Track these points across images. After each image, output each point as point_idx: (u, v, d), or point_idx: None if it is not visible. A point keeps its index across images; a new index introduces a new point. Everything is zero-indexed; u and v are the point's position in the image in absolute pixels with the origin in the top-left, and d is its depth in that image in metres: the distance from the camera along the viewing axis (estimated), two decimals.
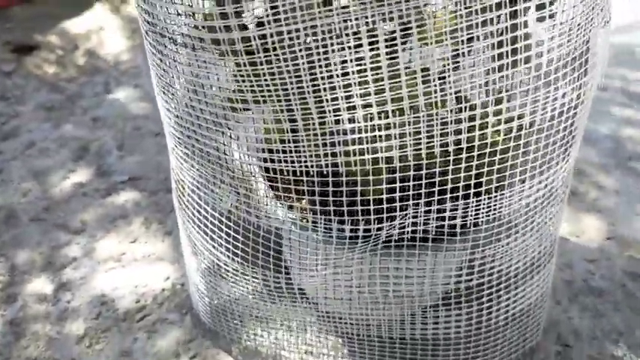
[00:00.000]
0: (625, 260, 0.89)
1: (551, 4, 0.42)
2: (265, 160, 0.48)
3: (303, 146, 0.45)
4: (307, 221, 0.52)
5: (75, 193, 0.96)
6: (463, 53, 0.42)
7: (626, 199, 1.01)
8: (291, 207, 0.52)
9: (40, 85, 1.24)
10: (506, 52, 0.42)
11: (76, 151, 1.05)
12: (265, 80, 0.42)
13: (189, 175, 0.56)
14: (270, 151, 0.47)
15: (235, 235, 0.54)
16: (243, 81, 0.42)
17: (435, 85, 0.42)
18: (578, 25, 0.47)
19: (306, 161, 0.46)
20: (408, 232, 0.51)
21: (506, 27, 0.42)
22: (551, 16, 0.45)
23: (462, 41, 0.41)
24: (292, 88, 0.42)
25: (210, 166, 0.51)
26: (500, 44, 0.42)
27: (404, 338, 0.62)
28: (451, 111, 0.44)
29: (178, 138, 0.53)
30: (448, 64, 0.43)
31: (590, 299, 0.83)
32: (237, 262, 0.58)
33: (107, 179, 0.99)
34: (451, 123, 0.44)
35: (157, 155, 1.05)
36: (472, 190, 0.49)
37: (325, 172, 0.46)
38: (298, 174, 0.47)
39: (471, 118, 0.45)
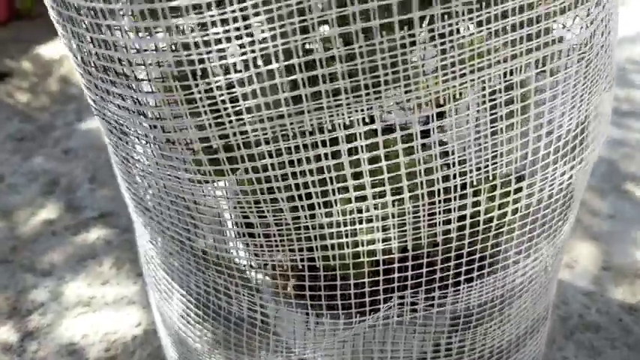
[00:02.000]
0: (621, 292, 0.86)
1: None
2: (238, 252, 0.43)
3: (275, 241, 0.41)
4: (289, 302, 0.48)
5: (44, 231, 0.91)
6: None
7: (622, 224, 0.97)
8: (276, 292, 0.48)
9: (11, 115, 1.18)
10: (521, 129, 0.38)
11: (45, 186, 0.99)
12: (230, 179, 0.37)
13: (157, 255, 0.52)
14: (246, 242, 0.42)
15: (212, 321, 0.50)
16: (206, 182, 0.38)
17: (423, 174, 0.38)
18: (588, 93, 0.42)
19: (278, 255, 0.41)
20: (393, 317, 0.46)
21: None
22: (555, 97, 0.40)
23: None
24: (262, 189, 0.37)
25: (183, 255, 0.46)
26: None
27: None
28: (444, 200, 0.40)
29: (143, 221, 0.49)
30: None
31: (587, 336, 0.80)
32: (211, 347, 0.53)
33: (77, 215, 0.94)
34: (440, 213, 0.40)
35: None
36: (463, 277, 0.44)
37: (300, 267, 0.42)
38: (270, 268, 0.43)
39: (461, 208, 0.40)
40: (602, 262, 0.91)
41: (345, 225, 0.40)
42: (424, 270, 0.43)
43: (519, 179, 0.41)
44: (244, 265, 0.43)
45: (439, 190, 0.39)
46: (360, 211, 0.39)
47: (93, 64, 0.33)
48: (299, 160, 0.35)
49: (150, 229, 0.49)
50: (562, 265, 0.90)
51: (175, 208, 0.43)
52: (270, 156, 0.35)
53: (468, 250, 0.42)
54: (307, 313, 0.45)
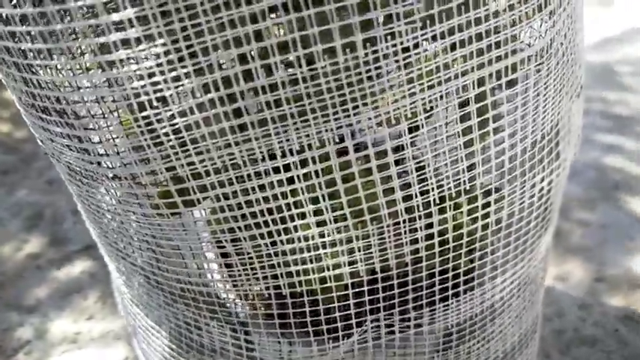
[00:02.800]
0: (616, 303, 0.84)
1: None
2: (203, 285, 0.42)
3: (238, 270, 0.40)
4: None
5: (28, 266, 0.90)
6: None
7: (614, 234, 0.96)
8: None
9: None
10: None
11: (30, 219, 0.98)
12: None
13: (128, 290, 0.51)
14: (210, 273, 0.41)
15: (187, 354, 0.48)
16: (163, 215, 0.37)
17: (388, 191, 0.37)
18: (552, 103, 0.42)
19: (243, 285, 0.40)
20: (369, 341, 0.45)
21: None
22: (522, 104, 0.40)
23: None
24: (217, 220, 0.36)
25: (151, 290, 0.45)
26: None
27: None
28: (409, 220, 0.39)
29: (109, 256, 0.48)
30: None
31: (583, 350, 0.78)
32: None
33: (62, 248, 0.93)
34: (406, 233, 0.39)
35: None
36: (437, 296, 0.43)
37: (267, 295, 0.41)
38: (238, 297, 0.42)
39: (428, 226, 0.39)
40: (595, 273, 0.89)
41: (309, 251, 0.39)
42: (396, 291, 0.42)
43: (487, 193, 0.40)
44: (211, 296, 0.42)
45: (402, 210, 0.38)
46: (322, 235, 0.38)
47: (32, 105, 0.32)
48: (252, 189, 0.35)
49: (116, 263, 0.48)
50: (555, 277, 0.89)
51: (137, 242, 0.43)
52: (222, 186, 0.34)
53: (440, 268, 0.41)
54: (279, 342, 0.44)
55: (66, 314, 0.83)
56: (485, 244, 0.42)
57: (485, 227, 0.41)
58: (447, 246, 0.40)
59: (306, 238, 0.38)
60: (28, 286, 0.87)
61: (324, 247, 0.39)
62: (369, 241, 0.39)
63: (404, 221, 0.38)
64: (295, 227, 0.37)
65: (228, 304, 0.43)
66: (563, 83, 0.43)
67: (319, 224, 0.37)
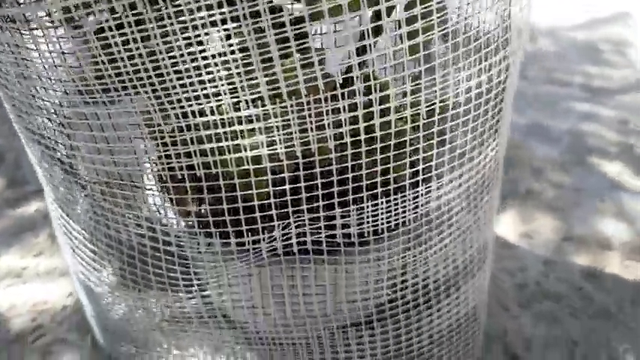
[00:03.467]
0: (582, 261, 0.82)
1: None
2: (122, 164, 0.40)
3: (146, 146, 0.37)
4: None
5: None
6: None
7: (586, 196, 0.94)
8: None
9: None
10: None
11: None
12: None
13: (51, 190, 0.48)
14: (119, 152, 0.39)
15: (106, 255, 0.46)
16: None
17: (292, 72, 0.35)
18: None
19: (156, 163, 0.38)
20: (293, 245, 0.43)
21: None
22: None
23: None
24: (128, 73, 0.34)
25: (70, 180, 0.43)
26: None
27: None
28: (332, 98, 0.36)
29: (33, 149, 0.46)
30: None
31: (545, 305, 0.76)
32: (116, 286, 0.50)
33: (19, 189, 0.90)
34: (328, 114, 0.36)
35: None
36: (365, 193, 0.41)
37: (180, 177, 0.38)
38: (150, 178, 0.39)
39: (368, 104, 0.37)
40: (563, 233, 0.87)
41: (223, 126, 0.36)
42: (319, 181, 0.39)
43: (416, 78, 0.38)
44: (124, 182, 0.40)
45: (322, 86, 0.36)
46: (236, 109, 0.36)
47: None
48: (165, 42, 0.33)
49: (39, 160, 0.46)
50: (521, 234, 0.87)
51: (53, 126, 0.40)
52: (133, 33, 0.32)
53: (367, 159, 0.39)
54: (197, 234, 0.42)
55: (14, 250, 0.80)
56: (416, 139, 0.40)
57: (416, 118, 0.39)
58: (374, 134, 0.38)
59: (220, 111, 0.36)
60: None
61: (239, 122, 0.36)
62: (288, 119, 0.36)
63: (325, 99, 0.36)
64: (207, 96, 0.35)
65: (143, 189, 0.41)
66: None
67: (233, 93, 0.35)
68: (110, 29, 0.32)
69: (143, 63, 0.33)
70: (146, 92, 0.35)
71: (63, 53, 0.35)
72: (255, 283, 0.47)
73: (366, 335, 0.52)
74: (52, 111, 0.39)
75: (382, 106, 0.37)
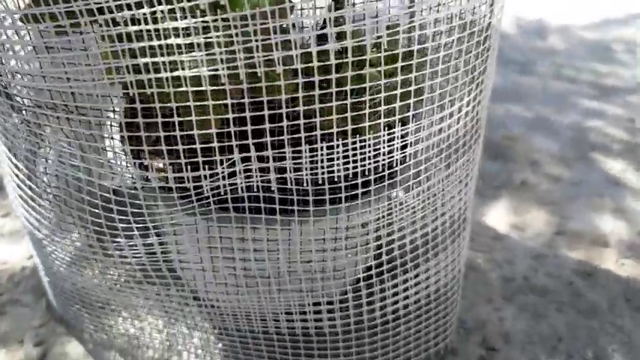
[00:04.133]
0: (575, 256, 0.77)
1: None
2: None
3: (81, 63, 0.34)
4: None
5: None
6: None
7: (584, 191, 0.89)
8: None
9: None
10: None
11: None
12: None
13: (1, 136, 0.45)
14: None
15: (44, 195, 0.43)
16: None
17: None
18: None
19: (85, 80, 0.35)
20: (243, 192, 0.39)
21: None
22: None
23: None
24: None
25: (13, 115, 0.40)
26: None
27: (268, 332, 0.51)
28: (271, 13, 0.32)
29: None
30: None
31: (531, 298, 0.71)
32: (57, 231, 0.46)
33: None
34: (275, 33, 0.33)
35: None
36: (318, 132, 0.37)
37: (111, 99, 0.35)
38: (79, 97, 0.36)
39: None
40: (556, 227, 0.83)
41: (158, 38, 0.33)
42: (266, 112, 0.35)
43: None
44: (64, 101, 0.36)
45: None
46: (173, 18, 0.32)
47: None
48: None
49: None
50: (512, 226, 0.82)
51: None
52: None
53: (321, 93, 0.35)
54: (134, 163, 0.38)
55: None
56: (377, 77, 0.36)
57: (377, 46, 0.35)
58: (329, 78, 0.34)
59: (154, 20, 0.32)
60: None
61: (176, 35, 0.33)
62: (230, 34, 0.33)
63: (272, 14, 0.32)
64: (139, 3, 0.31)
65: (81, 112, 0.37)
66: None
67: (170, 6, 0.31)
68: None
69: None
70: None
71: None
72: (202, 233, 0.43)
73: (323, 304, 0.48)
74: None
75: (337, 29, 0.33)
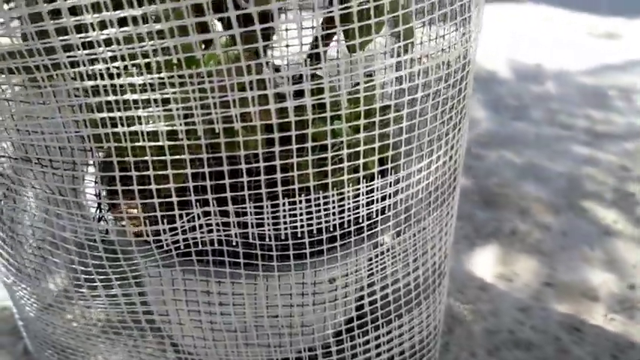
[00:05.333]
0: (563, 310, 0.76)
1: None
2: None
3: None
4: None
5: None
6: None
7: (574, 241, 0.88)
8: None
9: None
10: None
11: None
12: None
13: None
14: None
15: (9, 242, 0.42)
16: None
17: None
18: None
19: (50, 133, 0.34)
20: (208, 244, 0.38)
21: None
22: None
23: None
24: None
25: None
26: None
27: None
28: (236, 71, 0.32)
29: None
30: None
31: (515, 354, 0.70)
32: (27, 282, 0.46)
33: None
34: (233, 90, 0.32)
35: None
36: (280, 188, 0.36)
37: (68, 149, 0.35)
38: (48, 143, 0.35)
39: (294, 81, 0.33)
40: (545, 277, 0.81)
41: (115, 93, 0.33)
42: (225, 167, 0.35)
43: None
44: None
45: (226, 57, 0.32)
46: (130, 74, 0.32)
47: None
48: None
49: None
50: (499, 276, 0.81)
51: None
52: None
53: (281, 148, 0.35)
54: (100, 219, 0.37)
55: None
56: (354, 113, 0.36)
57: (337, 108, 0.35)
58: (298, 134, 0.34)
59: (110, 75, 0.32)
60: None
61: (132, 90, 0.33)
62: (187, 90, 0.32)
63: (228, 72, 0.32)
64: (98, 59, 0.31)
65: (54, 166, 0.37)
66: None
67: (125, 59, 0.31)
68: None
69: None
70: (37, 49, 0.31)
71: None
72: (167, 285, 0.42)
73: None
74: None
75: (296, 87, 0.33)
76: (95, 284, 0.42)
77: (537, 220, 0.92)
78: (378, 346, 0.48)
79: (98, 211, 0.40)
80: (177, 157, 0.34)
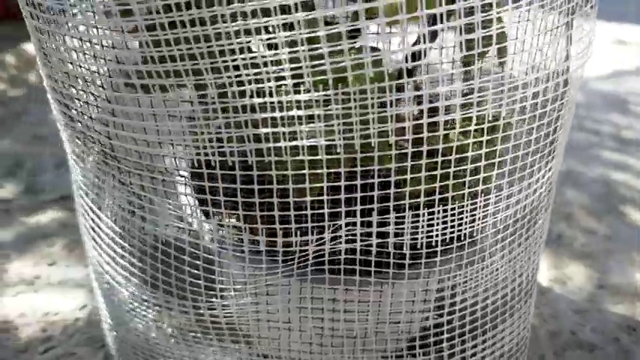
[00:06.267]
0: (619, 312, 0.78)
1: None
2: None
3: (201, 126, 0.35)
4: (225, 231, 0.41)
5: None
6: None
7: (619, 245, 0.90)
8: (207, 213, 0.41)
9: None
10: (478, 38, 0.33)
11: (8, 167, 0.94)
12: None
13: (80, 173, 0.46)
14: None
15: (136, 252, 0.43)
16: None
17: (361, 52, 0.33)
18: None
19: (205, 147, 0.36)
20: (342, 253, 0.40)
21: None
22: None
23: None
24: (182, 51, 0.32)
25: (102, 161, 0.41)
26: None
27: None
28: (390, 88, 0.34)
29: (70, 127, 0.43)
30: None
31: (579, 354, 0.71)
32: (144, 288, 0.46)
33: (36, 197, 0.88)
34: (392, 105, 0.34)
35: None
36: (422, 199, 0.38)
37: (231, 164, 0.36)
38: (196, 164, 0.37)
39: (431, 102, 0.35)
40: (597, 280, 0.83)
41: (281, 110, 0.34)
42: (375, 180, 0.37)
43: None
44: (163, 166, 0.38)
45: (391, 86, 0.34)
46: (297, 91, 0.34)
47: None
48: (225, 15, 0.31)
49: (72, 142, 0.44)
50: (554, 279, 0.83)
51: (93, 101, 0.38)
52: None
53: (428, 161, 0.36)
54: (240, 229, 0.39)
55: (27, 257, 0.77)
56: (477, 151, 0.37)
57: (492, 129, 0.37)
58: (436, 132, 0.35)
59: (279, 92, 0.33)
60: None
61: (298, 107, 0.34)
62: (350, 107, 0.34)
63: (390, 89, 0.34)
64: (269, 79, 0.33)
65: (183, 175, 0.38)
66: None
67: (296, 77, 0.33)
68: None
69: (200, 44, 0.31)
70: (205, 68, 0.32)
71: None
72: (294, 295, 0.43)
73: None
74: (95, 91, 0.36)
75: (448, 116, 0.34)
76: (215, 293, 0.43)
77: (582, 225, 0.94)
78: (483, 350, 0.50)
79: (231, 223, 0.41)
80: (334, 170, 0.36)
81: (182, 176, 0.38)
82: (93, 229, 0.47)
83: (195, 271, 0.42)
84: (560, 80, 0.40)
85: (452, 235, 0.41)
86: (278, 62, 0.33)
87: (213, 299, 0.43)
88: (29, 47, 1.39)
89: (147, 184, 0.39)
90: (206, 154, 0.36)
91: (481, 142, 0.38)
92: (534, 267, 0.51)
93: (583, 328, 0.75)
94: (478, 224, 0.42)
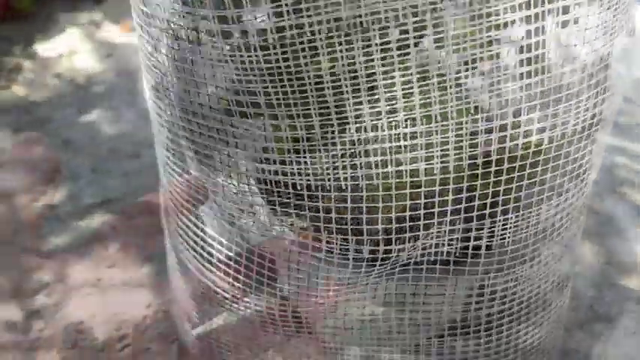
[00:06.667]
0: (630, 285, 0.86)
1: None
2: (276, 173, 0.43)
3: (320, 156, 0.41)
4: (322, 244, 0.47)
5: (46, 215, 0.90)
6: (481, 58, 0.38)
7: (622, 225, 0.98)
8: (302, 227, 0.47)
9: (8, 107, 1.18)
10: (529, 59, 0.39)
11: (45, 174, 0.98)
12: (281, 81, 0.37)
13: (183, 191, 0.51)
14: (282, 162, 0.42)
15: (237, 259, 0.49)
16: (255, 81, 0.38)
17: (461, 92, 0.39)
18: (604, 31, 0.44)
19: (322, 174, 0.41)
20: (430, 254, 0.46)
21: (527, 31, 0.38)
22: (576, 22, 0.42)
23: (482, 44, 0.37)
24: (311, 90, 0.38)
25: (210, 180, 0.46)
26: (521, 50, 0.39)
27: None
28: (480, 120, 0.40)
29: (172, 150, 0.48)
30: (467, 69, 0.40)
31: (598, 327, 0.80)
32: (235, 287, 0.52)
33: (78, 202, 0.92)
34: (481, 133, 0.40)
35: (134, 177, 0.99)
36: (499, 208, 0.45)
37: (344, 187, 0.42)
38: (313, 188, 0.43)
39: (502, 128, 0.41)
40: (605, 258, 0.92)
41: (390, 141, 0.40)
42: (464, 195, 0.43)
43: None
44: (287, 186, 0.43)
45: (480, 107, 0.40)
46: (405, 124, 0.39)
47: None
48: (350, 63, 0.36)
49: (177, 159, 0.48)
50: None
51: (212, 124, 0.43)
52: (323, 55, 0.35)
53: (507, 177, 0.43)
54: (347, 240, 0.44)
55: (86, 262, 0.82)
56: (545, 160, 0.44)
57: (550, 141, 0.43)
58: (515, 153, 0.42)
59: (390, 127, 0.39)
60: (46, 234, 0.86)
61: (404, 138, 0.40)
62: (447, 137, 0.40)
63: (482, 118, 0.40)
64: (379, 112, 0.39)
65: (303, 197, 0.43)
66: (616, 12, 0.45)
67: (406, 110, 0.39)
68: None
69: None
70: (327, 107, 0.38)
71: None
72: (381, 292, 0.50)
73: (458, 345, 0.55)
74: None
75: (512, 131, 0.41)
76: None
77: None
78: (526, 334, 0.57)
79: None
80: (430, 188, 0.42)
81: (299, 197, 0.43)
82: (194, 242, 0.53)
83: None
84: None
85: (520, 235, 0.48)
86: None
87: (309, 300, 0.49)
88: (40, 48, 1.41)
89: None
90: (322, 180, 0.42)
91: (540, 152, 0.44)
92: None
93: (601, 302, 0.84)
94: (530, 230, 0.48)
